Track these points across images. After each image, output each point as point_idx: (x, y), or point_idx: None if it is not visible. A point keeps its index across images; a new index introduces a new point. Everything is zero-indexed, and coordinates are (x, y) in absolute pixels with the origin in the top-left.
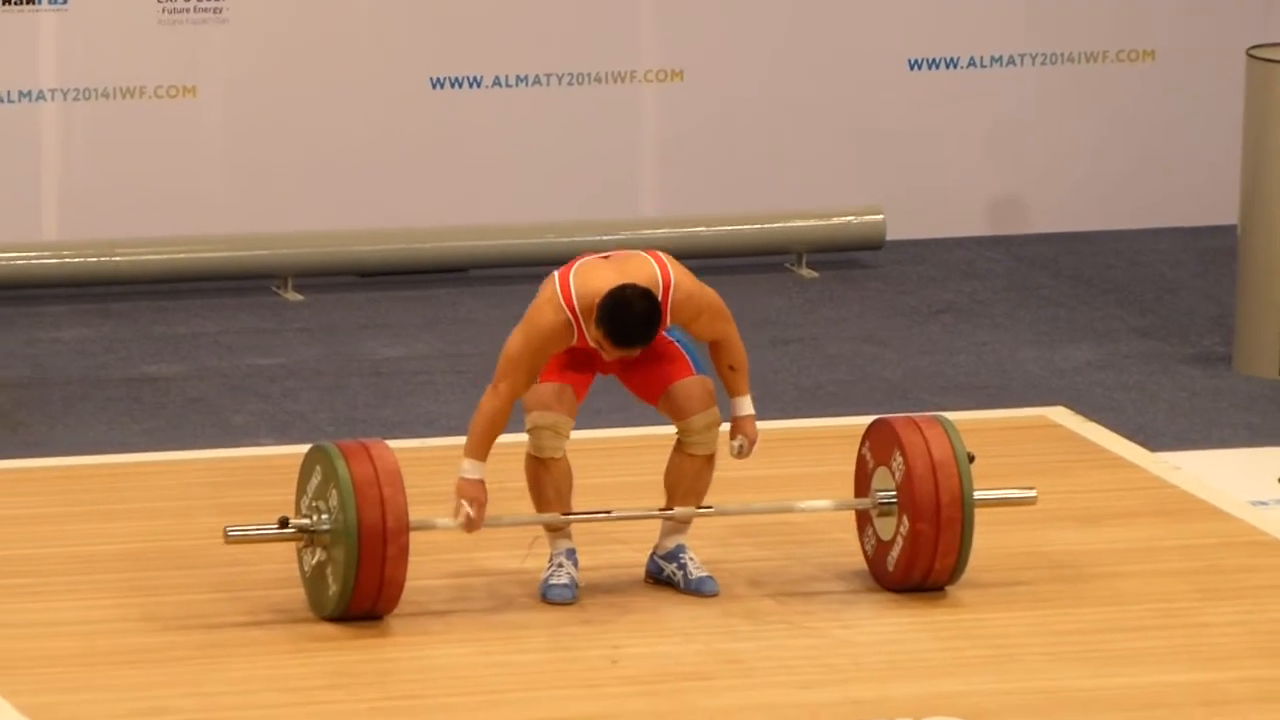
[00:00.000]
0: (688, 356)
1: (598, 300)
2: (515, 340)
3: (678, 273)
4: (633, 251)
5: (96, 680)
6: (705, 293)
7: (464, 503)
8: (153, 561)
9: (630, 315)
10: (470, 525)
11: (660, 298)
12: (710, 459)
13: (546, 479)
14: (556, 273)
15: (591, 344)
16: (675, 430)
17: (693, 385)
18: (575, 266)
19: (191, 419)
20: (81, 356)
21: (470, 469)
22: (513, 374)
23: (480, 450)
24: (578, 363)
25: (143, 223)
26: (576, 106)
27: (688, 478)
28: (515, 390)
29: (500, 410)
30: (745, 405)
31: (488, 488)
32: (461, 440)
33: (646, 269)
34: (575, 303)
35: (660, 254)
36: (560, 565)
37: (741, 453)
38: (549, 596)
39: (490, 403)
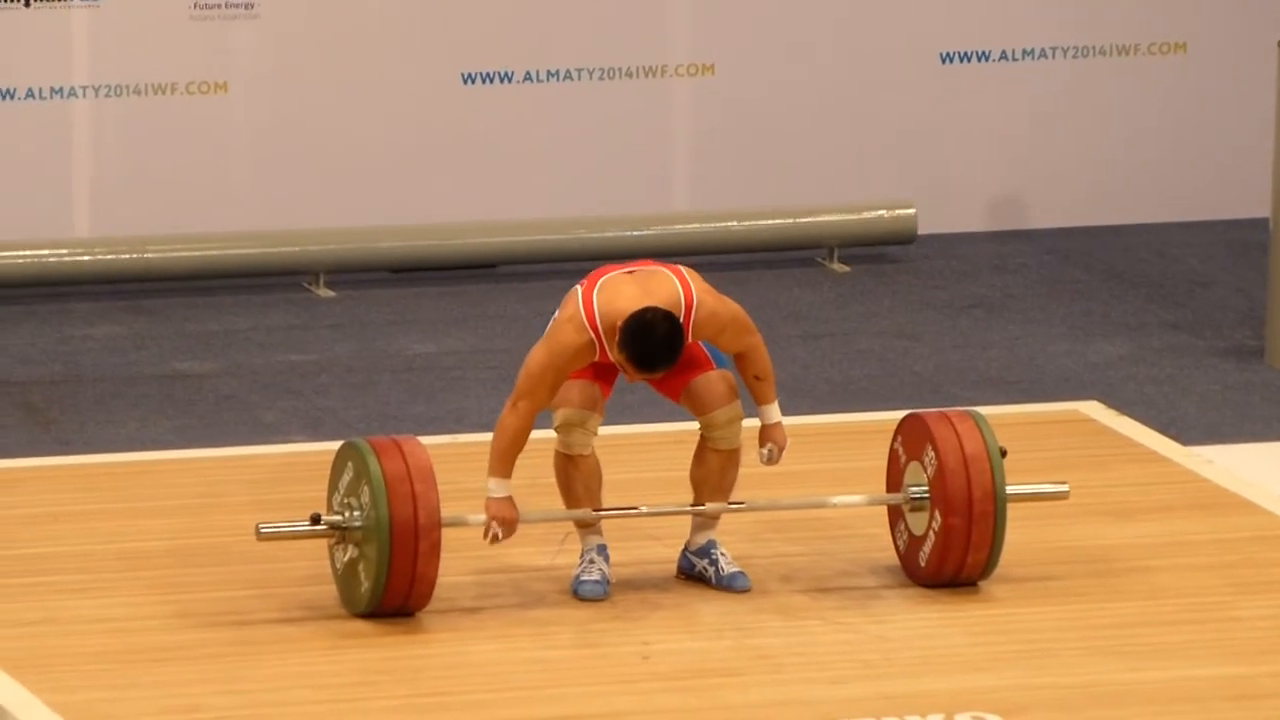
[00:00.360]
0: (709, 353)
1: (620, 323)
2: (537, 357)
3: (700, 290)
4: (655, 267)
5: (129, 678)
6: (728, 307)
7: (494, 523)
8: (184, 559)
9: (653, 340)
10: (498, 540)
11: (682, 317)
12: (734, 454)
13: (576, 475)
14: (579, 288)
15: (614, 362)
16: (699, 426)
17: (714, 380)
18: (599, 283)
19: (223, 416)
20: (113, 354)
21: (496, 488)
22: (533, 391)
23: (504, 469)
24: (601, 364)
25: (174, 219)
26: (608, 101)
27: (714, 474)
28: (536, 407)
29: (521, 428)
30: (772, 413)
31: (518, 487)
32: (491, 436)
33: (669, 287)
34: (599, 323)
35: (683, 270)
36: (592, 561)
37: (770, 459)
38: (580, 593)
39: (511, 420)
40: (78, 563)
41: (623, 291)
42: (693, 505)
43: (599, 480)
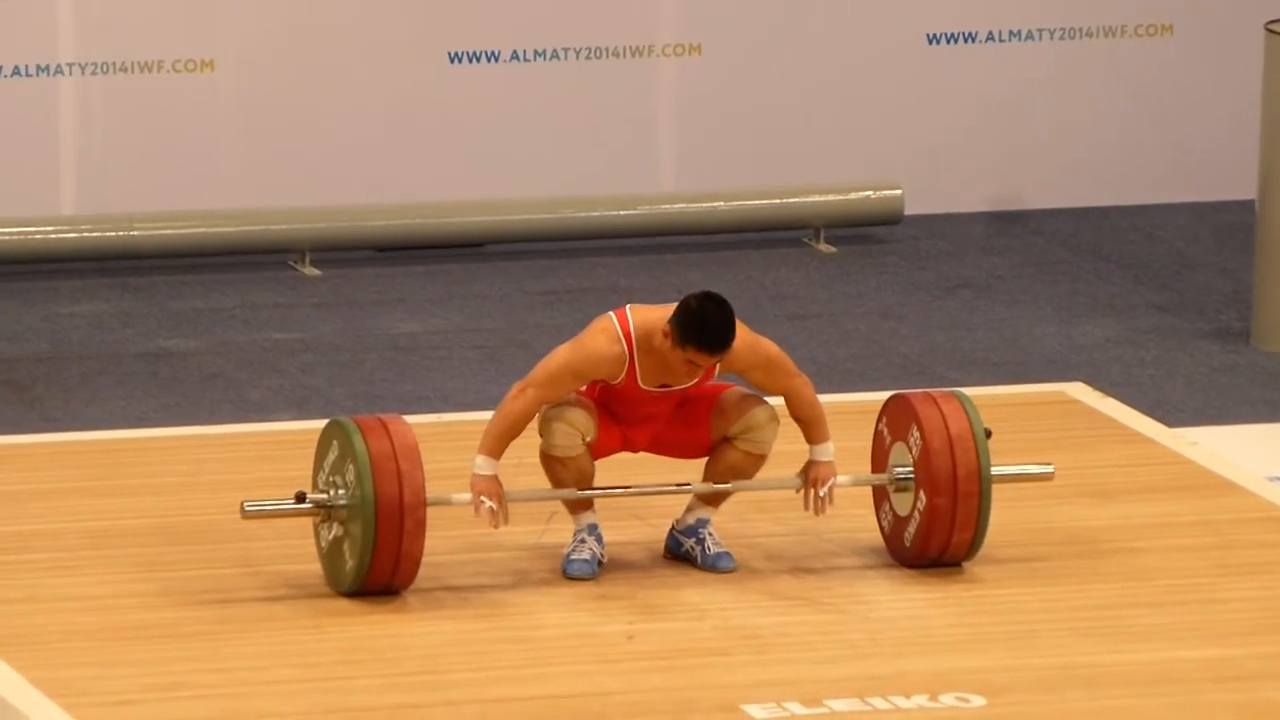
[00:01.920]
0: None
1: (666, 324)
2: (560, 354)
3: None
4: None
5: (114, 655)
6: (763, 344)
7: (482, 498)
8: (170, 536)
9: (709, 313)
10: (495, 519)
11: None
12: (762, 460)
13: (566, 476)
14: (611, 310)
15: (640, 383)
16: (732, 436)
17: (740, 390)
18: (629, 305)
19: (209, 394)
20: (99, 331)
21: (483, 465)
22: (546, 385)
23: (496, 449)
24: (609, 431)
25: (160, 197)
26: (594, 81)
27: (736, 470)
28: (543, 400)
29: (523, 414)
30: (820, 453)
31: (504, 466)
32: (479, 416)
33: None
34: (633, 332)
35: None
36: (583, 541)
37: (819, 506)
38: (569, 571)
39: (515, 404)
40: (61, 540)
41: (655, 311)
42: (682, 484)
43: (591, 479)
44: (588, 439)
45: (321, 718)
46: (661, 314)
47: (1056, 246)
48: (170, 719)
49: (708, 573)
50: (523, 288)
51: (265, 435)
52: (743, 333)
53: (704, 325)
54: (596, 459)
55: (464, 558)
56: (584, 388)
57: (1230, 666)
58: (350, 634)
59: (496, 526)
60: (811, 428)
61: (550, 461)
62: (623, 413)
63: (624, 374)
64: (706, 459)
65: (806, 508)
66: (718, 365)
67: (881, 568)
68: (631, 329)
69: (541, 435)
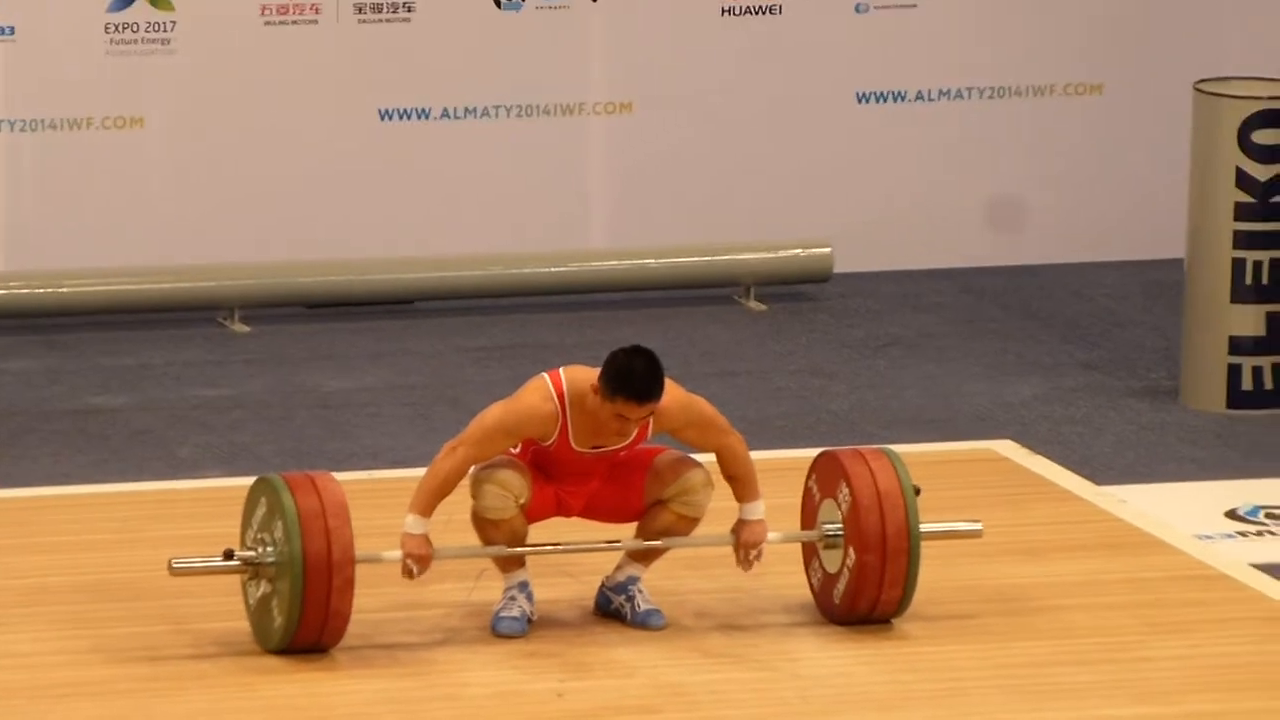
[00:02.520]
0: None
1: (595, 379)
2: (493, 412)
3: (668, 382)
4: None
5: (43, 712)
6: (696, 402)
7: (409, 561)
8: (98, 593)
9: (637, 365)
10: (414, 577)
11: None
12: (695, 523)
13: (498, 537)
14: (545, 371)
15: (573, 444)
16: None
17: (675, 453)
18: (564, 367)
19: (137, 451)
20: (27, 388)
21: (414, 524)
22: (478, 444)
23: (427, 507)
24: (543, 494)
25: (89, 254)
26: (525, 138)
27: (670, 533)
28: (473, 459)
29: (454, 472)
30: (751, 511)
31: (434, 522)
32: (409, 473)
33: None
34: (565, 389)
35: None
36: (513, 598)
37: (746, 560)
38: (498, 629)
39: (446, 463)
40: None
41: (588, 372)
42: (612, 541)
43: (523, 540)
44: (520, 500)
45: None
46: (595, 375)
47: (986, 304)
48: None
49: (637, 630)
50: (453, 344)
51: (194, 493)
52: (675, 391)
53: (631, 376)
54: (531, 523)
55: (393, 615)
56: (517, 449)
57: None
58: (279, 692)
59: (413, 578)
60: (742, 485)
61: (482, 524)
62: (557, 474)
63: (556, 433)
64: (640, 523)
65: (739, 564)
66: (650, 423)
67: (811, 625)
68: (565, 388)
69: (473, 496)
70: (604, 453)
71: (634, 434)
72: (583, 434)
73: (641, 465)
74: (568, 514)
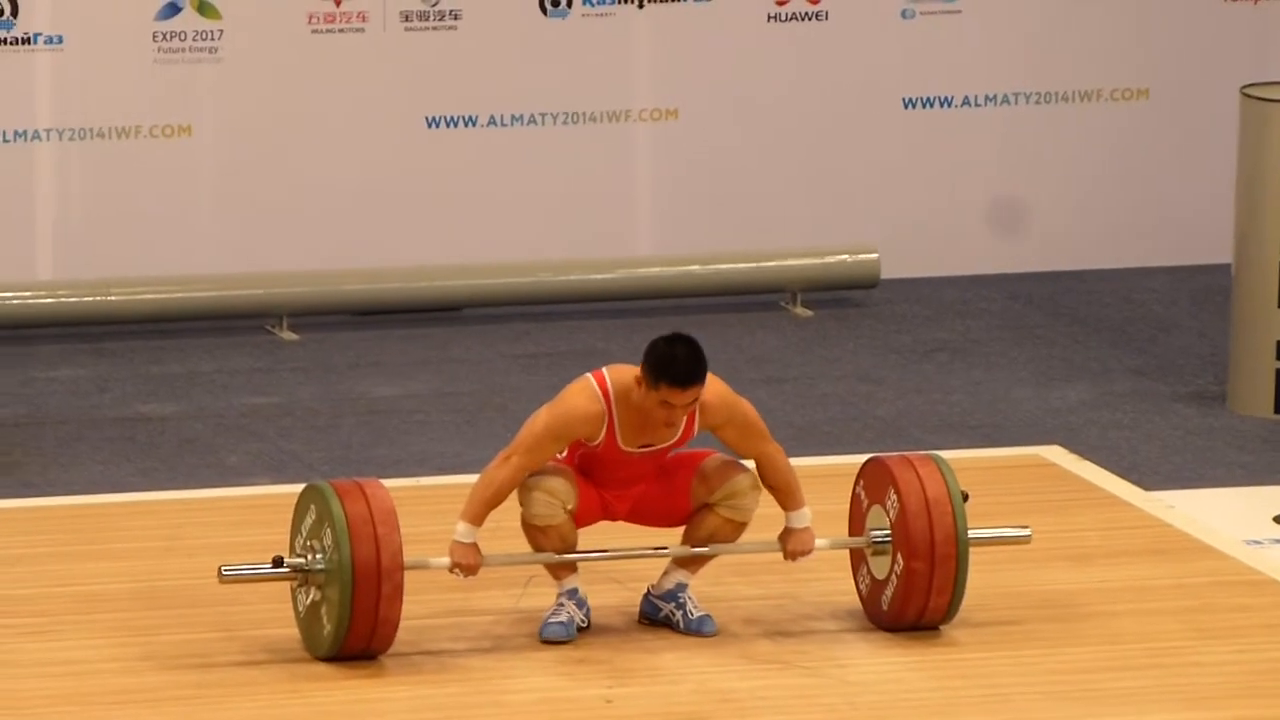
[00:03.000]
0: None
1: (638, 371)
2: (540, 418)
3: (711, 376)
4: None
5: None
6: (740, 402)
7: (456, 570)
8: (149, 601)
9: (678, 350)
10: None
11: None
12: (743, 528)
13: (547, 544)
14: (588, 373)
15: (620, 444)
16: (714, 502)
17: (722, 457)
18: (607, 367)
19: (186, 459)
20: (76, 396)
21: (464, 532)
22: (529, 451)
23: (478, 516)
24: (589, 499)
25: (137, 262)
26: (571, 146)
27: (716, 538)
28: (526, 467)
29: (507, 481)
30: (797, 519)
31: (483, 529)
32: (457, 479)
33: None
34: (610, 389)
35: None
36: (562, 605)
37: (793, 556)
38: (545, 635)
39: (498, 472)
40: (38, 605)
41: (632, 370)
42: (660, 547)
43: (573, 546)
44: (569, 507)
45: None
46: (637, 371)
47: (1033, 310)
48: None
49: (685, 636)
50: (500, 351)
51: (243, 500)
52: (720, 386)
53: (674, 361)
54: (578, 528)
55: (442, 622)
56: (564, 455)
57: None
58: (328, 699)
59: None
60: (786, 495)
61: (531, 530)
62: (604, 478)
63: (604, 432)
64: (686, 525)
65: (789, 559)
66: (696, 418)
67: (859, 631)
68: (609, 386)
69: (521, 504)
70: (651, 451)
71: (681, 426)
72: (630, 432)
73: (687, 469)
74: (614, 518)
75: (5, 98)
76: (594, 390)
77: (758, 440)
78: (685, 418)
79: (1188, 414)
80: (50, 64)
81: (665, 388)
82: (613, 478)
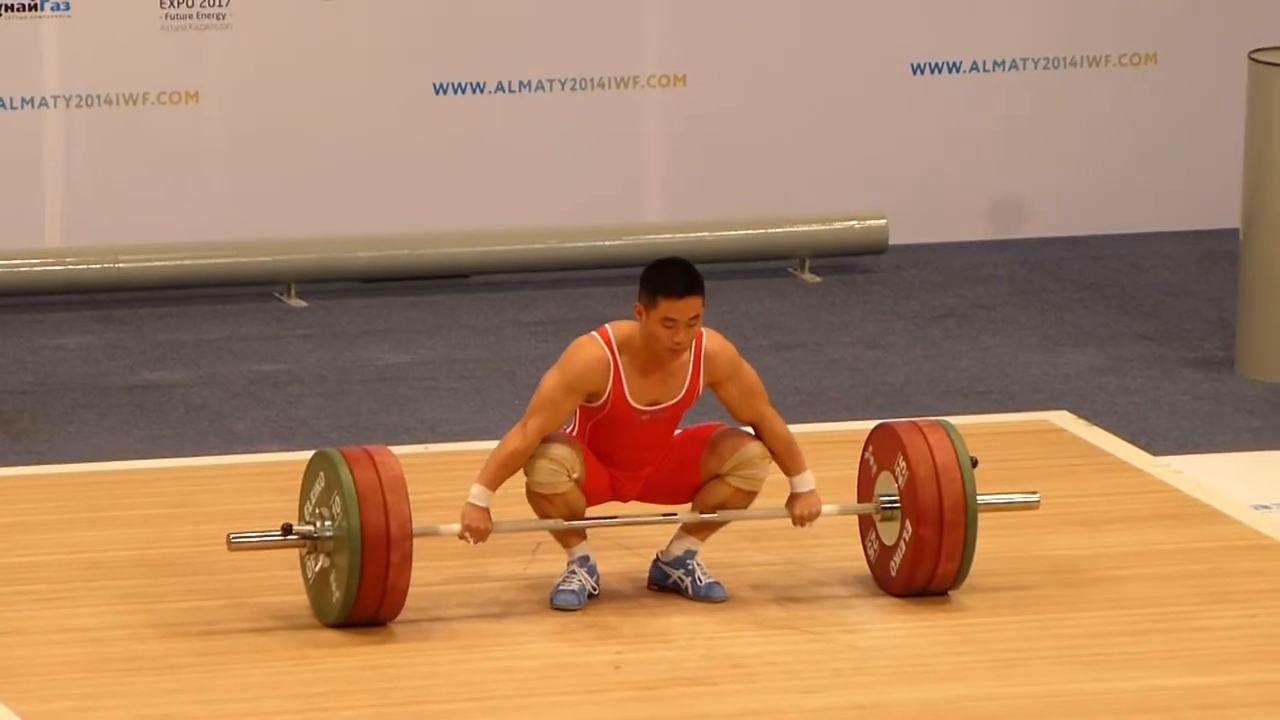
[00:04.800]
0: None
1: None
2: (549, 378)
3: (710, 330)
4: None
5: (100, 687)
6: (744, 362)
7: (466, 534)
8: (157, 568)
9: (673, 264)
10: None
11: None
12: (754, 496)
13: (553, 512)
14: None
15: (630, 399)
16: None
17: (731, 428)
18: (609, 323)
19: (195, 426)
20: (84, 363)
21: (478, 495)
22: (543, 409)
23: (494, 480)
24: (598, 477)
25: (145, 229)
26: (579, 111)
27: (727, 507)
28: (544, 428)
29: (523, 449)
30: (801, 483)
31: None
32: (465, 446)
33: None
34: (613, 339)
35: None
36: (573, 572)
37: (802, 521)
38: (556, 602)
39: (516, 439)
40: (46, 572)
41: (632, 322)
42: (669, 514)
43: (581, 515)
44: (574, 475)
45: None
46: (635, 323)
47: (1041, 275)
48: None
49: (695, 603)
50: (508, 318)
51: (251, 467)
52: (723, 340)
53: (667, 272)
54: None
55: (451, 588)
56: (575, 430)
57: (1214, 695)
58: (337, 665)
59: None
60: (789, 459)
61: (537, 499)
62: (615, 455)
63: (610, 383)
64: (696, 498)
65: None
66: (701, 368)
67: (868, 596)
68: (612, 336)
69: (526, 473)
70: (660, 412)
71: (690, 364)
72: (637, 382)
73: (697, 443)
74: (624, 498)
75: (13, 64)
76: (597, 340)
77: (758, 401)
78: (691, 344)
79: (1196, 379)
80: (58, 30)
81: (663, 301)
82: (623, 454)
